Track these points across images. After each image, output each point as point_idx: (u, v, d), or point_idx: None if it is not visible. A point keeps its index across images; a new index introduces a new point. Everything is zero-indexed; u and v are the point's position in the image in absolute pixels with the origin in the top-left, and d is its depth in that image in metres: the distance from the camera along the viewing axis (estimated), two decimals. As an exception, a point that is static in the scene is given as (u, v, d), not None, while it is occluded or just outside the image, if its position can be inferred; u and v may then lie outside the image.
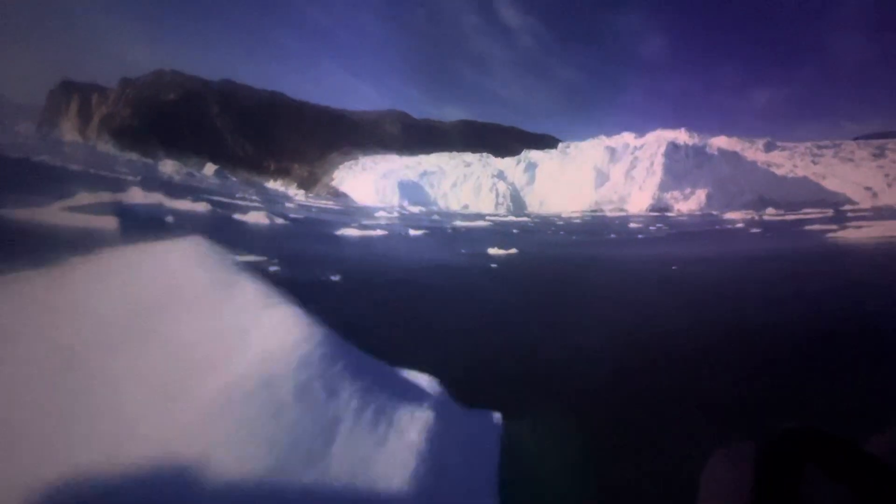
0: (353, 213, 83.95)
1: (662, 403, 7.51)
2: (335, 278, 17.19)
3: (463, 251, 31.15)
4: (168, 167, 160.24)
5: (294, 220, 45.21)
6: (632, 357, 9.97)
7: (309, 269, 18.44)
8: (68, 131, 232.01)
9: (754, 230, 52.90)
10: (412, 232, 45.56)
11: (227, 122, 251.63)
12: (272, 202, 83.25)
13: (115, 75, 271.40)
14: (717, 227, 63.53)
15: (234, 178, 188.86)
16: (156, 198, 32.14)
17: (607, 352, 10.22)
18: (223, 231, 27.40)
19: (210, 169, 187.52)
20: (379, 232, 41.67)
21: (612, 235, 52.90)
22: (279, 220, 39.09)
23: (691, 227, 67.22)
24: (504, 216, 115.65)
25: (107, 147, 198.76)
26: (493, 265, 23.68)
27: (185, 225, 24.90)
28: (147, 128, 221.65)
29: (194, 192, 57.90)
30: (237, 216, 36.99)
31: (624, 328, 12.33)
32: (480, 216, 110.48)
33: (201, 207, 35.12)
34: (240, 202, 57.21)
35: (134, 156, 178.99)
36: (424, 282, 18.82)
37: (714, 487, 0.67)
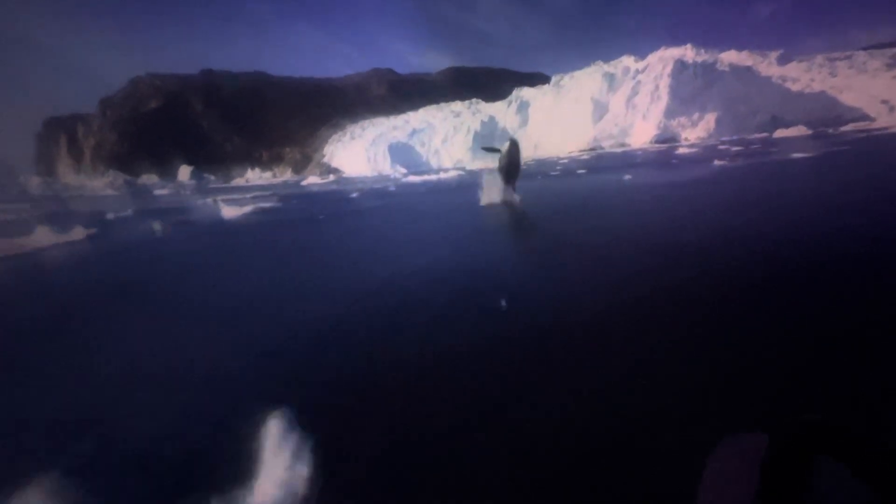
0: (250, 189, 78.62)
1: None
2: None
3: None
4: (111, 177, 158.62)
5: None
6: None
7: None
8: (64, 173, 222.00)
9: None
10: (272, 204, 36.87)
11: (213, 118, 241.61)
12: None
13: (95, 95, 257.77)
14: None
15: (213, 177, 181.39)
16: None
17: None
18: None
19: (185, 173, 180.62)
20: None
21: (634, 168, 37.67)
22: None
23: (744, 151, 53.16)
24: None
25: (100, 178, 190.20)
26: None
27: None
28: (135, 147, 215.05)
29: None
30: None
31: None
32: (461, 168, 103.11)
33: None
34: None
35: (121, 180, 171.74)
36: None
37: (720, 476, 0.63)
